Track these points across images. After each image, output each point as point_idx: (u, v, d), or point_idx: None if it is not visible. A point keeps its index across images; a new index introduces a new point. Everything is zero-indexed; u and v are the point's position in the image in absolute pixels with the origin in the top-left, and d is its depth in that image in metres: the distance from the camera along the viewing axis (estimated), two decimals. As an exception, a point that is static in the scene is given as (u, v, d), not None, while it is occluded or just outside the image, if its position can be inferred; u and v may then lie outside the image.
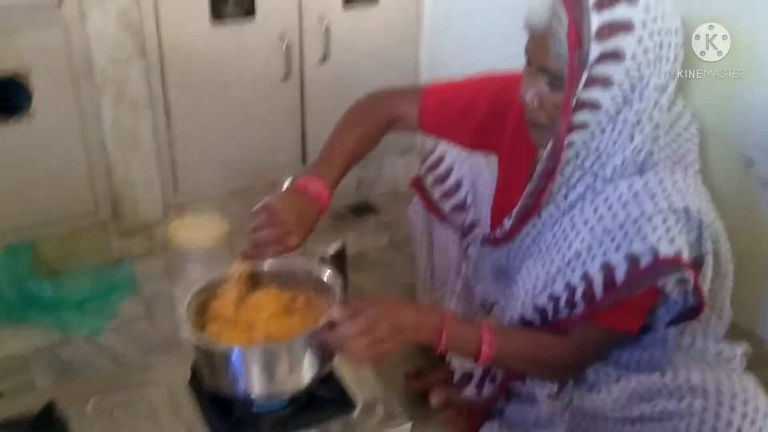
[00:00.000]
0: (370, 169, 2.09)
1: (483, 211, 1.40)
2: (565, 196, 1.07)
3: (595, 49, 0.95)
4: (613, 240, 1.00)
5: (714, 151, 1.31)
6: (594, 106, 0.98)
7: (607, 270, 1.01)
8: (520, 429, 1.22)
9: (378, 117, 1.27)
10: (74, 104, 1.61)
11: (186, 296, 1.12)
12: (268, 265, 1.15)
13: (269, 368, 1.04)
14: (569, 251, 1.05)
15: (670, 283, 0.99)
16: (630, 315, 1.07)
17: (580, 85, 0.96)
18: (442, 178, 1.42)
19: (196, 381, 1.14)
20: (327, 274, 1.14)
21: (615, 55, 0.95)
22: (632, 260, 0.98)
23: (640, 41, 0.95)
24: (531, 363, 1.12)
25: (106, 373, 1.28)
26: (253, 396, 1.05)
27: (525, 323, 1.14)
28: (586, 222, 1.04)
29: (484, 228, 1.39)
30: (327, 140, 1.25)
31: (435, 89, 1.29)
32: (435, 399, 1.28)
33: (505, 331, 1.14)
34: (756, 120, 1.30)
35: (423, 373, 1.37)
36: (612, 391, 1.08)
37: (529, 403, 1.19)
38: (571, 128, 1.00)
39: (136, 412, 1.10)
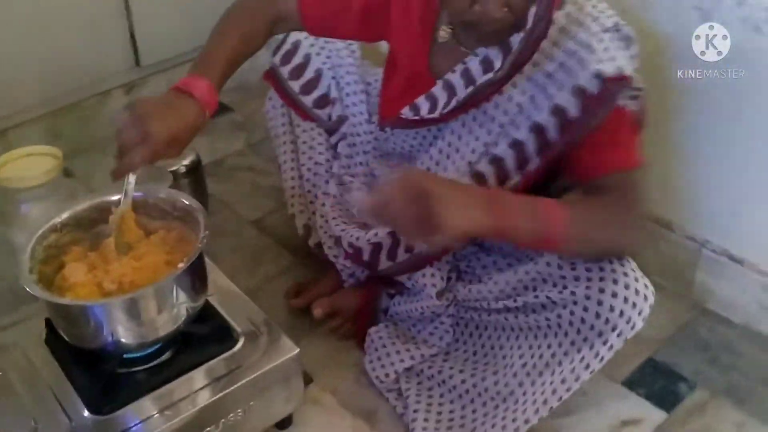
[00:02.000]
0: (215, 64, 1.93)
1: (351, 102, 1.31)
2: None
3: None
4: (555, 81, 0.95)
5: None
6: None
7: (558, 111, 0.95)
8: (406, 326, 1.21)
9: (260, 15, 1.13)
10: None
11: (27, 244, 0.99)
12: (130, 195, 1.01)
13: (135, 316, 0.94)
14: (511, 107, 0.99)
15: (627, 101, 0.96)
16: (629, 150, 0.98)
17: None
18: (299, 70, 1.31)
19: (53, 338, 1.03)
20: (190, 202, 1.04)
21: None
22: (580, 92, 0.93)
23: None
24: (611, 227, 0.95)
25: None
26: (121, 347, 0.96)
27: (479, 180, 1.04)
28: (527, 77, 0.98)
29: (355, 122, 1.30)
30: (207, 41, 1.10)
31: None
32: (317, 311, 1.23)
33: (574, 206, 0.95)
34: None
35: (304, 287, 1.31)
36: (498, 281, 1.07)
37: (414, 299, 1.17)
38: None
39: (-9, 387, 0.99)
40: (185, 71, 1.08)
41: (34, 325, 1.06)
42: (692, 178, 1.20)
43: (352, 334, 1.25)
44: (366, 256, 1.17)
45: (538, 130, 0.98)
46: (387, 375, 1.15)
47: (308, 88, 1.31)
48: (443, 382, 1.12)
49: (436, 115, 1.07)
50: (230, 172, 1.69)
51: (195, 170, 1.50)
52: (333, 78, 1.31)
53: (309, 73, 1.31)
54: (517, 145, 1.00)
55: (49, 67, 1.64)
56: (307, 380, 1.18)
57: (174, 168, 1.42)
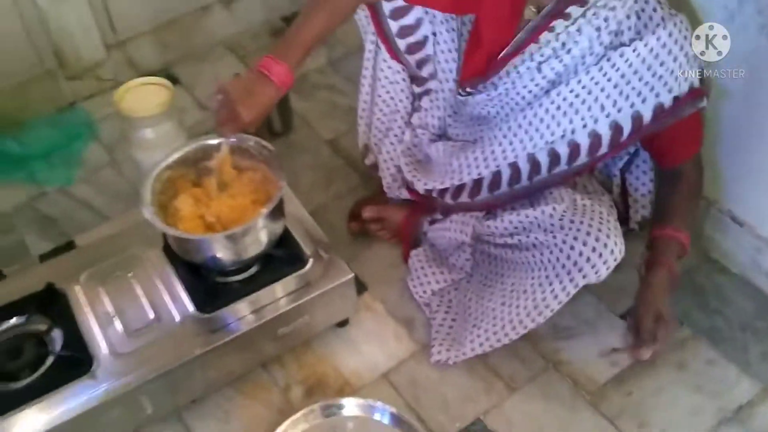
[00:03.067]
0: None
1: (444, 59, 1.35)
2: (567, 48, 1.17)
3: None
4: (641, 96, 1.15)
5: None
6: None
7: (637, 117, 1.17)
8: (438, 249, 1.46)
9: None
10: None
11: (147, 181, 1.27)
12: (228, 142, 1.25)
13: (229, 246, 1.22)
14: (595, 103, 1.17)
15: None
16: (699, 136, 1.29)
17: None
18: (401, 12, 1.31)
19: (168, 247, 1.33)
20: (272, 150, 1.28)
21: None
22: (659, 107, 1.15)
23: None
24: (697, 198, 1.35)
25: (91, 238, 1.39)
26: (218, 265, 1.26)
27: (533, 163, 1.24)
28: (609, 78, 1.16)
29: (442, 78, 1.36)
30: (295, 20, 1.23)
31: None
32: (367, 213, 1.50)
33: (678, 215, 1.30)
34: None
35: (361, 207, 1.53)
36: (504, 219, 1.29)
37: (446, 230, 1.41)
38: None
39: (122, 281, 1.30)
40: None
41: (154, 234, 1.34)
42: (709, 147, 1.35)
43: (392, 241, 1.52)
44: (435, 195, 1.38)
45: (616, 127, 1.18)
46: (425, 292, 1.43)
47: (405, 32, 1.33)
48: (462, 305, 1.39)
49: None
50: (312, 89, 1.90)
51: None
52: (433, 33, 1.33)
53: (409, 19, 1.31)
54: (595, 136, 1.19)
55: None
56: (363, 289, 1.47)
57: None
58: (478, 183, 1.30)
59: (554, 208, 1.21)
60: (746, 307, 1.41)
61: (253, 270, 1.31)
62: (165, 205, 1.27)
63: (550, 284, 1.21)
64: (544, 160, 1.22)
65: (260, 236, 1.24)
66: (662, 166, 1.34)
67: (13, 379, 1.18)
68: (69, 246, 1.41)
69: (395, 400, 1.29)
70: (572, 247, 1.18)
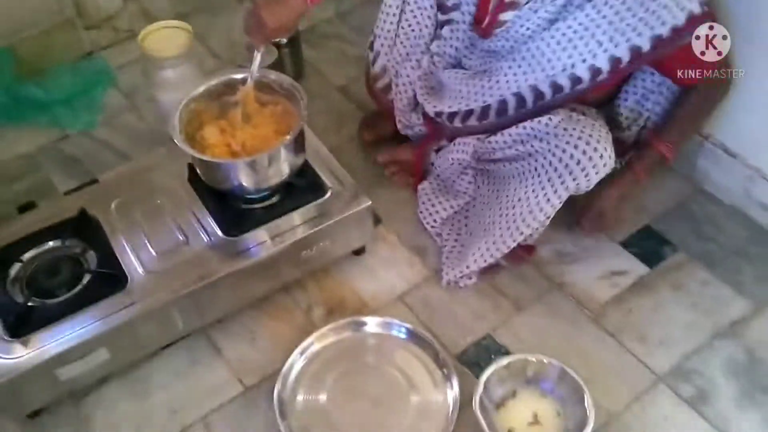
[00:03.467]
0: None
1: None
2: None
3: None
4: (634, 29, 1.19)
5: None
6: None
7: (635, 49, 1.21)
8: (444, 177, 1.53)
9: None
10: None
11: (175, 112, 1.33)
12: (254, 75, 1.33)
13: (254, 172, 1.30)
14: (591, 39, 1.22)
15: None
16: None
17: None
18: None
19: (193, 178, 1.41)
20: (293, 83, 1.36)
21: None
22: (656, 38, 1.19)
23: None
24: (702, 121, 1.41)
25: (117, 173, 1.46)
26: (244, 191, 1.33)
27: (537, 93, 1.29)
28: (603, 15, 1.20)
29: (464, 10, 1.41)
30: None
31: None
32: (381, 157, 1.59)
33: (673, 127, 1.36)
34: None
35: (375, 123, 1.62)
36: (505, 133, 1.35)
37: (450, 154, 1.47)
38: None
39: (150, 208, 1.37)
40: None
41: (178, 167, 1.43)
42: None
43: (406, 182, 1.60)
44: (444, 118, 1.45)
45: (615, 60, 1.23)
46: (435, 221, 1.52)
47: None
48: (467, 226, 1.48)
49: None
50: (321, 39, 1.97)
51: (294, 42, 1.80)
52: None
53: None
54: (594, 70, 1.24)
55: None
56: (378, 221, 1.54)
57: (277, 40, 1.73)
58: (485, 109, 1.37)
59: (550, 119, 1.28)
60: (739, 234, 1.50)
61: (276, 198, 1.38)
62: (191, 135, 1.34)
63: (543, 188, 1.28)
64: (547, 90, 1.29)
65: (283, 165, 1.32)
66: (677, 84, 1.37)
67: (52, 296, 1.26)
68: (93, 183, 1.48)
69: (410, 319, 1.37)
70: (564, 151, 1.24)
